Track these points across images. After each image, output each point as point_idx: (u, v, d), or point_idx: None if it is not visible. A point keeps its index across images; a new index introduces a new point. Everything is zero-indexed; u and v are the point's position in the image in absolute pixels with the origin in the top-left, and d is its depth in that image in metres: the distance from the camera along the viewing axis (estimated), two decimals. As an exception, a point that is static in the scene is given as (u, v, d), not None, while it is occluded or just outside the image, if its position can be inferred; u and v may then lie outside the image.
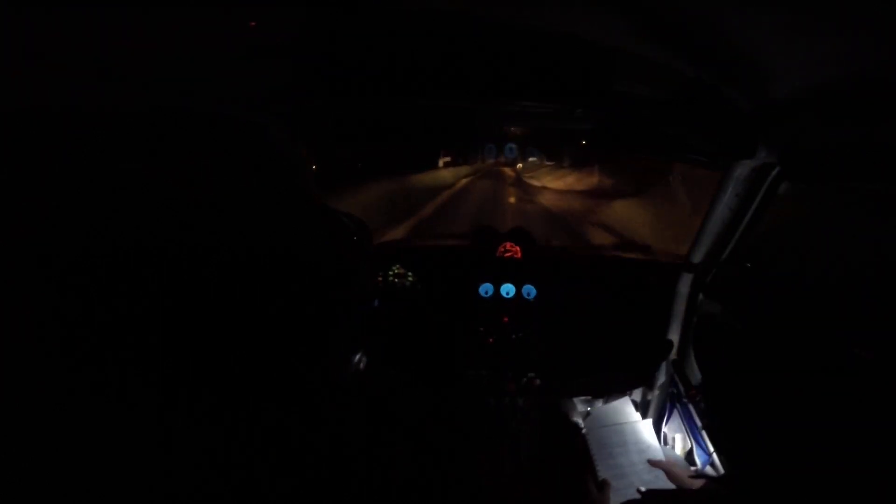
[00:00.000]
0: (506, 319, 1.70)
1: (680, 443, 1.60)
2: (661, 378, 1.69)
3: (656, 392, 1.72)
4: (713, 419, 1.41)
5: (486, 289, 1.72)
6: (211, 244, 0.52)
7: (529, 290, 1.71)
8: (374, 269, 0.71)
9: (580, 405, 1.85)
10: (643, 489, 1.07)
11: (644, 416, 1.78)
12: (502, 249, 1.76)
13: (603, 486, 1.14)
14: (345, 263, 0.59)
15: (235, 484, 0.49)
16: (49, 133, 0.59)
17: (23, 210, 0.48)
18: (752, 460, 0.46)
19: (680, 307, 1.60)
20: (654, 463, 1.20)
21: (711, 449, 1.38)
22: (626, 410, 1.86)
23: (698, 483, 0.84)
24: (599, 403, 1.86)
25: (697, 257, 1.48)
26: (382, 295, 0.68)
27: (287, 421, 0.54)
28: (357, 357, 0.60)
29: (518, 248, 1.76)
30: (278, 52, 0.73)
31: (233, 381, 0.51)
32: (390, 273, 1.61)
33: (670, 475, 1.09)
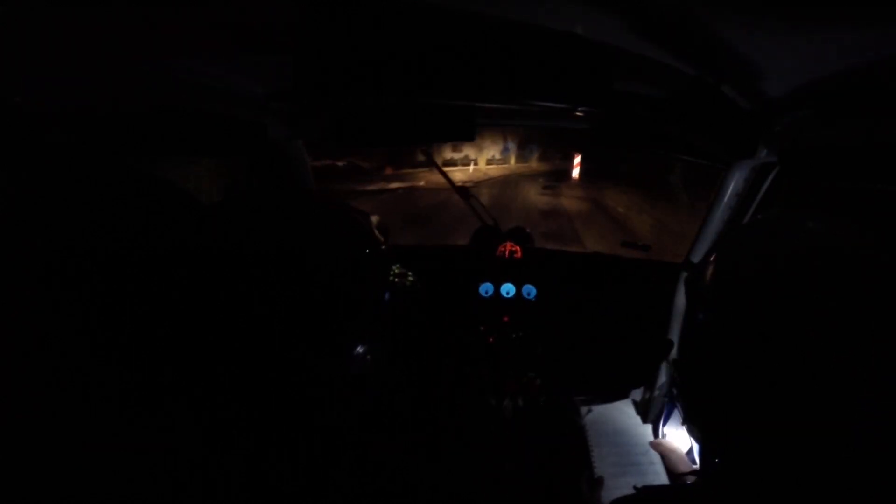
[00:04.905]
0: (506, 319, 1.71)
1: (679, 442, 1.60)
2: (661, 378, 1.69)
3: (656, 392, 1.72)
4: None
5: (486, 289, 1.72)
6: (213, 243, 0.52)
7: (529, 290, 1.72)
8: (387, 264, 0.71)
9: (580, 405, 1.85)
10: (640, 486, 1.07)
11: (644, 415, 1.79)
12: (502, 249, 1.76)
13: (598, 483, 1.14)
14: (352, 258, 0.59)
15: (238, 479, 0.49)
16: (50, 133, 0.59)
17: (24, 210, 0.48)
18: (750, 459, 0.46)
19: (680, 307, 1.60)
20: (654, 445, 1.20)
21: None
22: (625, 410, 1.86)
23: (697, 481, 0.84)
24: (599, 403, 1.86)
25: (697, 257, 1.48)
26: (393, 289, 0.68)
27: (292, 417, 0.54)
28: (364, 354, 0.60)
29: (518, 248, 1.76)
30: (277, 50, 0.73)
31: (239, 379, 0.51)
32: (391, 273, 1.61)
33: (668, 468, 1.09)
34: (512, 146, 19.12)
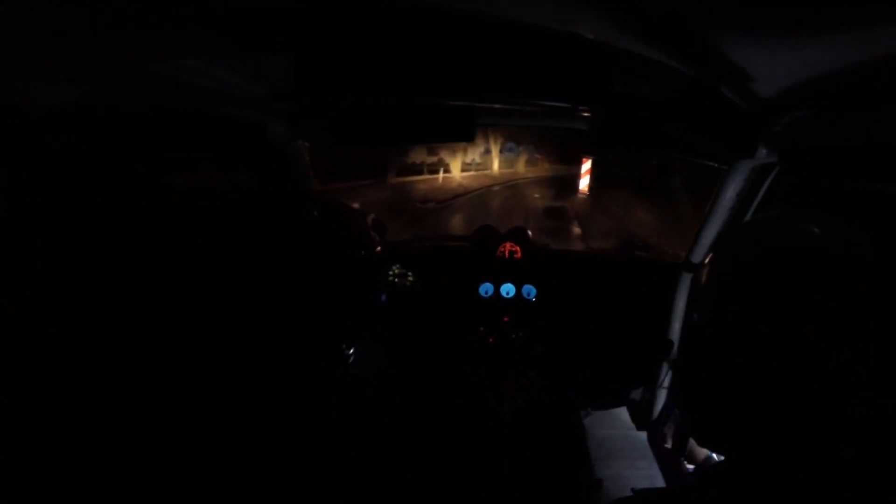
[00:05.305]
0: (506, 319, 1.71)
1: (678, 443, 1.60)
2: (661, 379, 1.69)
3: (656, 393, 1.72)
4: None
5: (486, 289, 1.72)
6: (213, 243, 0.52)
7: (529, 290, 1.72)
8: (386, 264, 0.71)
9: (580, 406, 1.85)
10: (639, 489, 1.07)
11: (643, 417, 1.78)
12: (502, 249, 1.76)
13: (597, 485, 1.14)
14: (352, 258, 0.59)
15: (238, 479, 0.49)
16: (50, 133, 0.59)
17: (25, 211, 0.48)
18: (749, 460, 0.46)
19: (680, 307, 1.60)
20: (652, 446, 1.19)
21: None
22: (625, 411, 1.86)
23: (696, 483, 0.84)
24: (599, 403, 1.86)
25: (697, 257, 1.48)
26: (389, 290, 0.68)
27: (292, 417, 0.54)
28: (364, 354, 0.60)
29: (518, 248, 1.76)
30: (277, 50, 0.73)
31: (240, 379, 0.51)
32: (390, 273, 1.61)
33: (667, 470, 1.09)
34: (494, 148, 14.46)
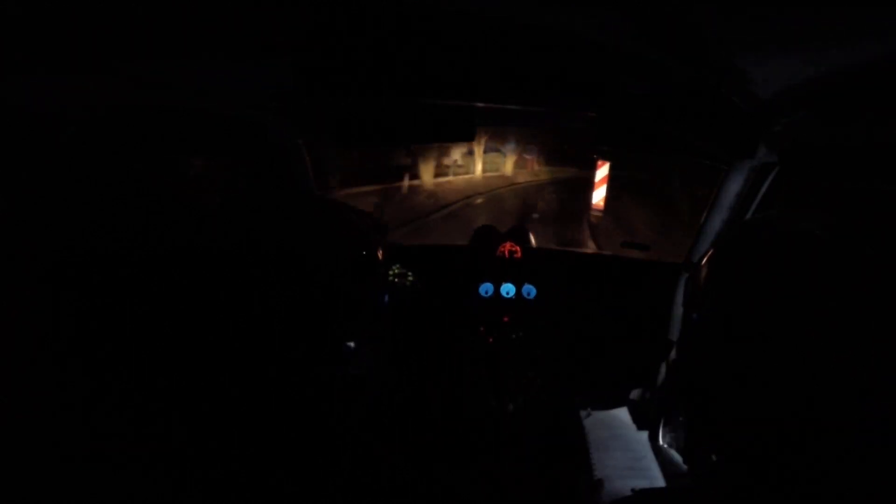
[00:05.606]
0: (506, 319, 1.71)
1: (678, 443, 1.60)
2: (661, 379, 1.69)
3: (656, 393, 1.72)
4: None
5: (486, 289, 1.72)
6: (213, 243, 0.52)
7: (529, 290, 1.72)
8: (386, 263, 0.71)
9: (580, 406, 1.85)
10: (639, 489, 1.07)
11: (643, 417, 1.78)
12: (502, 249, 1.76)
13: (598, 485, 1.14)
14: (352, 258, 0.59)
15: (238, 479, 0.49)
16: (50, 133, 0.59)
17: (25, 211, 0.48)
18: (749, 461, 0.46)
19: (680, 307, 1.60)
20: (653, 446, 1.20)
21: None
22: (625, 411, 1.86)
23: (696, 483, 0.84)
24: (599, 404, 1.86)
25: (697, 257, 1.48)
26: (389, 290, 0.68)
27: (292, 417, 0.54)
28: (364, 354, 0.60)
29: (518, 248, 1.76)
30: (277, 50, 0.73)
31: (240, 379, 0.51)
32: (390, 273, 1.62)
33: (667, 470, 1.09)
34: (478, 147, 11.89)
